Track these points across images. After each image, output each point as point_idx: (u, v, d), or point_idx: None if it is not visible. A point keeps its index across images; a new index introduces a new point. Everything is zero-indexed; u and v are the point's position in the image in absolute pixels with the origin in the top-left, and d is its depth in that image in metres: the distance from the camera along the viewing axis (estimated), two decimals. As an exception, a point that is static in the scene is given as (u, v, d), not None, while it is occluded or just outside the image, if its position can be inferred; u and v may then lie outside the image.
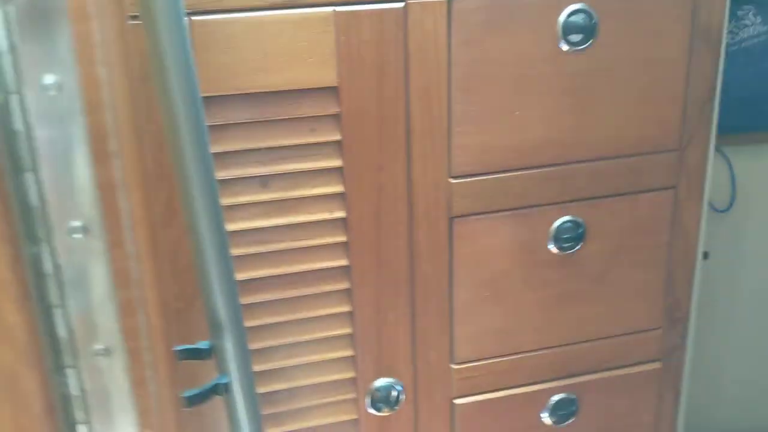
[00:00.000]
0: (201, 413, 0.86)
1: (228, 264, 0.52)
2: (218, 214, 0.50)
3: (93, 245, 0.34)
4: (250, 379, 0.54)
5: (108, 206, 0.34)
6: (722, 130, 1.19)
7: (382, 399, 0.91)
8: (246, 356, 0.54)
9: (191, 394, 0.52)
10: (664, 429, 1.05)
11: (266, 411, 0.89)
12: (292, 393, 0.90)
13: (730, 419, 1.45)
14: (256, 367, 0.87)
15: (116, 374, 0.36)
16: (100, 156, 0.33)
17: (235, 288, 0.52)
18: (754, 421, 1.45)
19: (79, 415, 0.37)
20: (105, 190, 0.33)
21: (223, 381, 0.53)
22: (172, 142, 0.47)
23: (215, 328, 0.53)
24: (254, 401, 0.55)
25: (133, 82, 0.37)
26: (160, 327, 0.37)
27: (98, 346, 0.36)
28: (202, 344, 0.54)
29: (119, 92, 0.34)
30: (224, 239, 0.51)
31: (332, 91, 0.78)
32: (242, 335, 0.54)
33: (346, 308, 0.87)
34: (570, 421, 0.99)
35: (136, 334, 0.36)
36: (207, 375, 0.60)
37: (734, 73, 1.14)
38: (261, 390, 0.88)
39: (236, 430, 0.56)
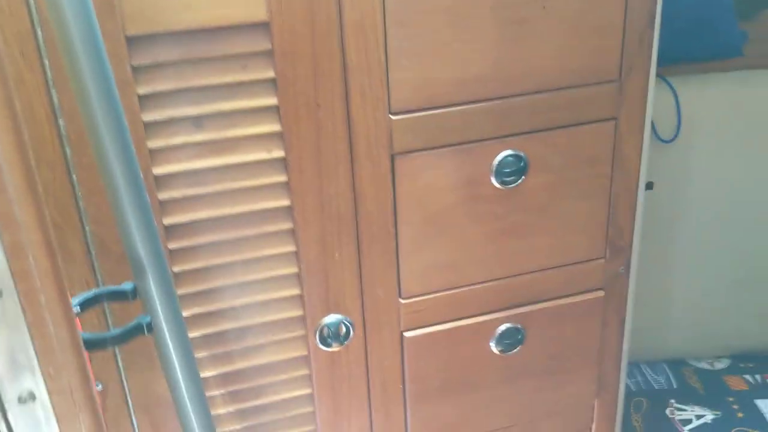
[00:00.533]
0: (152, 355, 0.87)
1: (143, 202, 0.51)
2: (129, 152, 0.49)
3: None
4: (177, 317, 0.55)
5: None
6: (668, 59, 1.19)
7: (331, 335, 0.93)
8: (170, 294, 0.54)
9: (115, 333, 0.52)
10: (609, 355, 1.09)
11: (217, 350, 0.91)
12: (241, 332, 0.91)
13: (675, 345, 1.50)
14: (203, 309, 0.87)
15: (11, 316, 0.36)
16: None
17: (152, 226, 0.52)
18: (698, 346, 1.50)
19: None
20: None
21: (146, 321, 0.54)
22: (73, 79, 0.46)
23: (136, 269, 0.53)
24: (183, 339, 0.56)
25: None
26: (50, 268, 0.37)
27: (-11, 289, 0.36)
28: (126, 285, 0.55)
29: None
30: (138, 179, 0.51)
31: (263, 26, 0.77)
32: (164, 273, 0.54)
33: (290, 248, 0.88)
34: (517, 349, 1.02)
35: (28, 276, 0.36)
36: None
37: (680, 2, 1.13)
38: (210, 330, 0.89)
39: (166, 368, 0.57)
